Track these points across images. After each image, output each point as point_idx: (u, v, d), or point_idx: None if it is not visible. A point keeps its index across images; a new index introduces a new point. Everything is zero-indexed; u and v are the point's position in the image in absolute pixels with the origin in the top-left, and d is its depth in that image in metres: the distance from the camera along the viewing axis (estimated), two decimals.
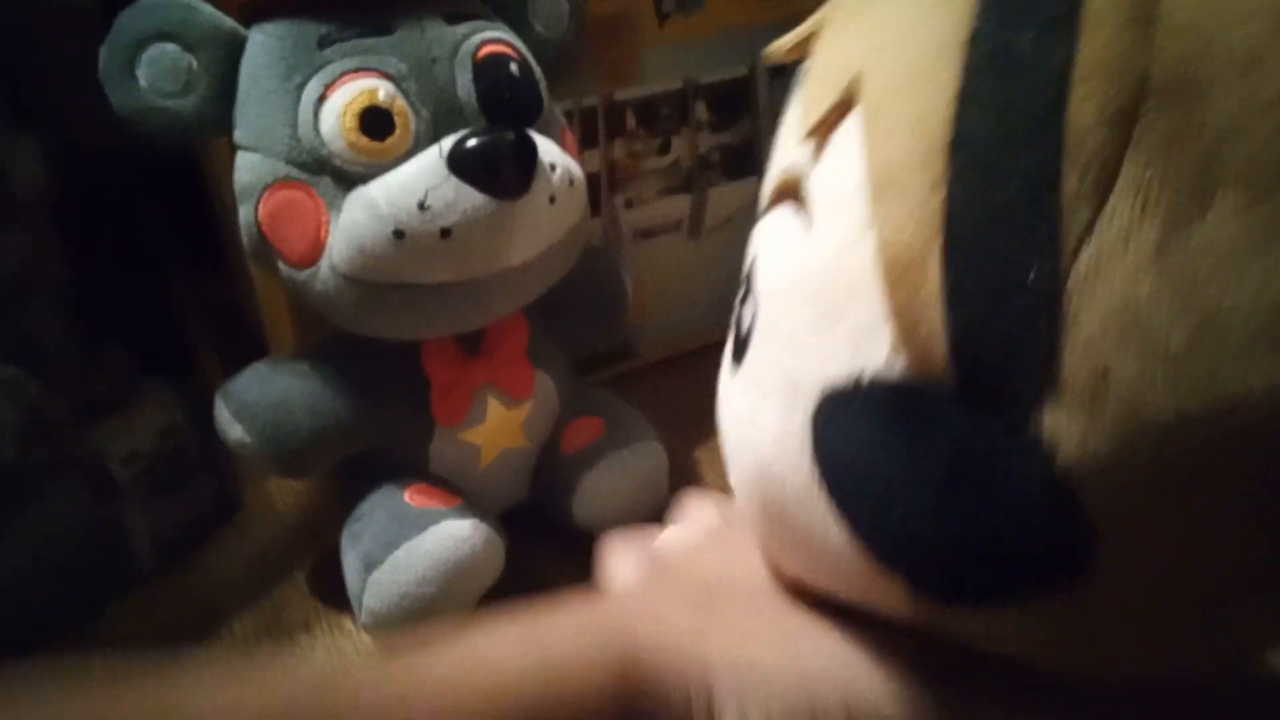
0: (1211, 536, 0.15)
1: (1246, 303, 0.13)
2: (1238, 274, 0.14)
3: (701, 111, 0.52)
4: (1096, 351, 0.14)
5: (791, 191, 0.20)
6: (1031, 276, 0.14)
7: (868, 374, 0.17)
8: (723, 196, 0.55)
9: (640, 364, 0.58)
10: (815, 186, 0.19)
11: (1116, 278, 0.14)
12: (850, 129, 0.17)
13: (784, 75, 0.54)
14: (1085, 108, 0.14)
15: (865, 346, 0.17)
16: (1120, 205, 0.14)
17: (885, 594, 0.19)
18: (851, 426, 0.17)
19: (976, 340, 0.15)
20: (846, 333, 0.17)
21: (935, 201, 0.15)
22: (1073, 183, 0.14)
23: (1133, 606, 0.16)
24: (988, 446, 0.15)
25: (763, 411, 0.20)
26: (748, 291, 0.22)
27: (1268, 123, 0.14)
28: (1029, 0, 0.15)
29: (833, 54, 0.19)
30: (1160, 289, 0.14)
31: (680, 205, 0.54)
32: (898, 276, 0.16)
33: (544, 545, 0.43)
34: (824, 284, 0.18)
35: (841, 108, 0.18)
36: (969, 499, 0.16)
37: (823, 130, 0.18)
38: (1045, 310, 0.14)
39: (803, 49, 0.20)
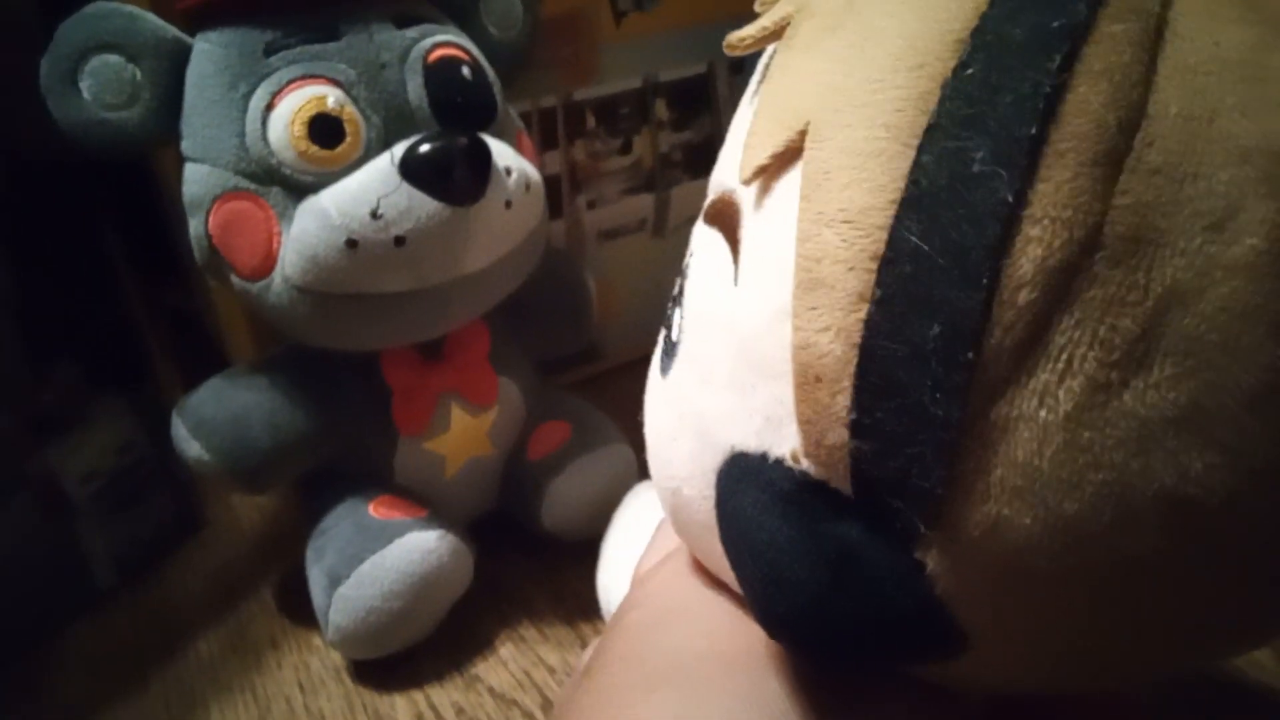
0: (1076, 630, 0.15)
1: (1151, 482, 0.13)
2: (1148, 450, 0.13)
3: (662, 110, 0.52)
4: (991, 503, 0.14)
5: (726, 219, 0.19)
6: (937, 424, 0.14)
7: (773, 455, 0.16)
8: (686, 195, 0.55)
9: (607, 366, 0.57)
10: (748, 240, 0.17)
11: (1024, 435, 0.13)
12: (790, 188, 0.16)
13: (744, 71, 0.54)
14: (1026, 255, 0.13)
15: (774, 430, 0.16)
16: (1041, 365, 0.13)
17: None
18: (751, 499, 0.17)
19: (875, 470, 0.15)
20: (758, 408, 0.17)
21: (857, 317, 0.14)
22: (996, 336, 0.13)
23: (1012, 670, 0.16)
24: (873, 558, 0.15)
25: (679, 435, 0.20)
26: (681, 296, 0.21)
27: (1221, 291, 0.12)
28: (993, 105, 0.13)
29: (788, 84, 0.17)
30: (1066, 453, 0.13)
31: (644, 205, 0.54)
32: (809, 386, 0.15)
33: (513, 553, 0.43)
34: (742, 351, 0.17)
35: (786, 157, 0.16)
36: (849, 598, 0.15)
37: (765, 175, 0.17)
38: (945, 458, 0.14)
39: (765, 43, 0.19)
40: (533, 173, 0.36)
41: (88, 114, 0.33)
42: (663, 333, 0.23)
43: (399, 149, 0.32)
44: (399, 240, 0.32)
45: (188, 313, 0.54)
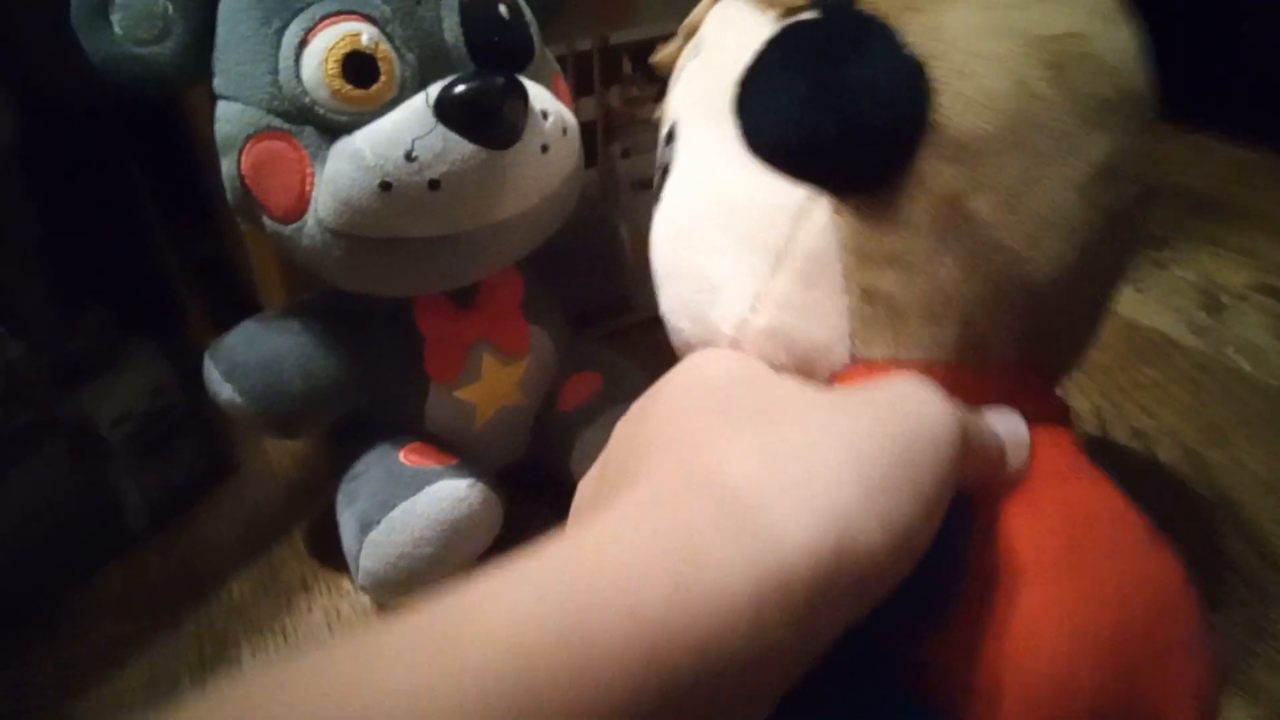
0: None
1: None
2: None
3: None
4: None
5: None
6: None
7: (759, 44, 0.25)
8: None
9: (639, 318, 0.57)
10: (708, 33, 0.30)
11: None
12: None
13: None
14: None
15: (757, 33, 0.25)
16: None
17: (816, 243, 0.25)
18: (758, 79, 0.25)
19: None
20: (742, 41, 0.26)
21: None
22: None
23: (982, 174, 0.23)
24: (840, 27, 0.23)
25: (694, 148, 0.28)
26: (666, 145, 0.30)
27: None
28: None
29: None
30: None
31: None
32: None
33: (543, 503, 0.43)
34: (716, 44, 0.28)
35: None
36: (839, 74, 0.23)
37: None
38: None
39: None
40: (569, 117, 0.36)
41: (119, 49, 0.32)
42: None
43: (434, 89, 0.31)
44: (433, 184, 0.31)
45: (219, 257, 0.53)
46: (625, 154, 0.51)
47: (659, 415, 0.24)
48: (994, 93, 0.22)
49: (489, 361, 0.39)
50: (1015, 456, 0.24)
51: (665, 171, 0.29)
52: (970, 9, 0.23)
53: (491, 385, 0.40)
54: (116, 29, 0.32)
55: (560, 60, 0.45)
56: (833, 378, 0.26)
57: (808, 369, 0.26)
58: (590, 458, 0.41)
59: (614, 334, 0.55)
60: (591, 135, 0.49)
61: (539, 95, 0.34)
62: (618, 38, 0.48)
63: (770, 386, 0.23)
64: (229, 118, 0.33)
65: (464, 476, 0.37)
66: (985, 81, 0.22)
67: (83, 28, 0.32)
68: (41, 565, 0.41)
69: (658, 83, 0.50)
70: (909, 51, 0.22)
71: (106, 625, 0.40)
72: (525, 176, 0.33)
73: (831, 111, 0.23)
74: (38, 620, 0.40)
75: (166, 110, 0.47)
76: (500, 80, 0.32)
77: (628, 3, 0.48)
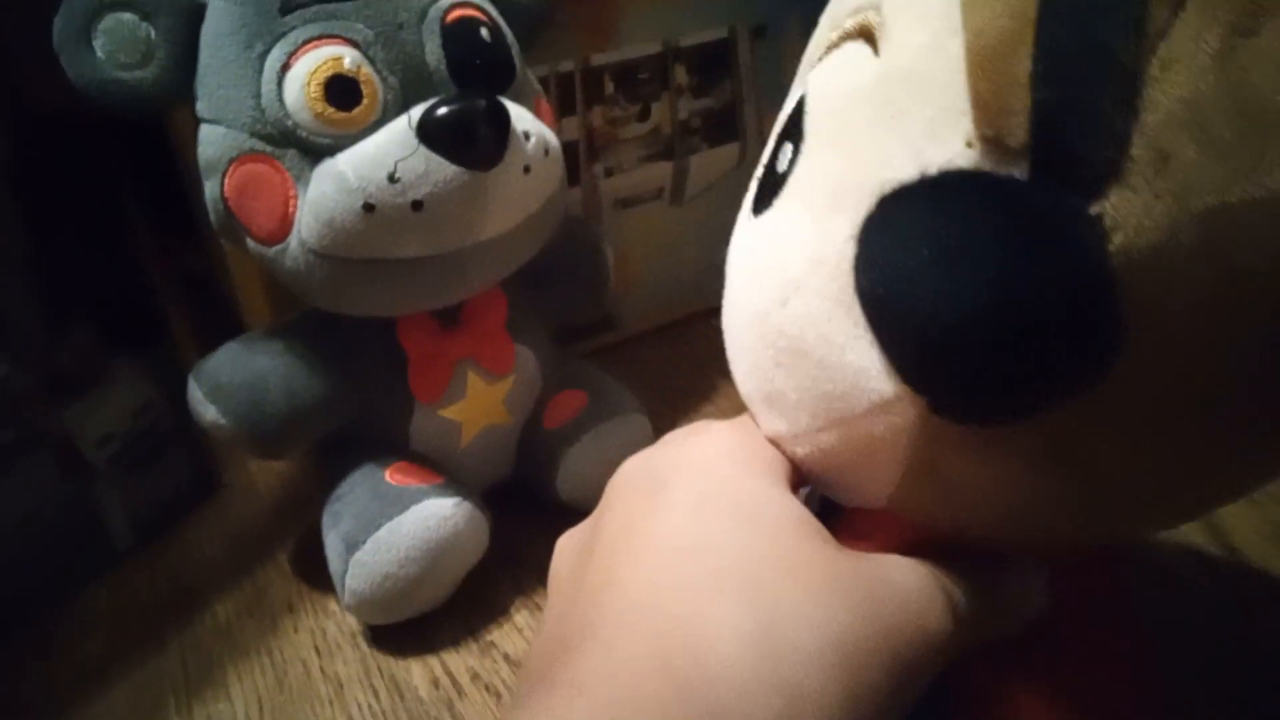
0: (1228, 348, 0.16)
1: None
2: None
3: (681, 76, 0.51)
4: (1161, 137, 0.15)
5: (856, 36, 0.21)
6: (1114, 65, 0.16)
7: (935, 167, 0.17)
8: (705, 163, 0.54)
9: (623, 335, 0.57)
10: (891, 8, 0.19)
11: (1184, 74, 0.15)
12: None
13: (765, 36, 0.53)
14: None
15: (935, 140, 0.17)
16: (1192, 11, 0.15)
17: (885, 431, 0.20)
18: (908, 222, 0.18)
19: (1058, 119, 0.16)
20: (915, 129, 0.18)
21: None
22: None
23: (1137, 425, 0.17)
24: (1053, 221, 0.16)
25: (796, 232, 0.21)
26: (785, 138, 0.23)
27: None
28: None
29: None
30: (1219, 87, 0.15)
31: (661, 173, 0.53)
32: (986, 63, 0.17)
33: (529, 522, 0.43)
34: (893, 87, 0.19)
35: None
36: (1023, 276, 0.16)
37: None
38: (1124, 95, 0.16)
39: None
40: (551, 138, 0.36)
41: (102, 73, 0.32)
42: (753, 189, 0.24)
43: (416, 111, 0.32)
44: (416, 205, 0.31)
45: (203, 275, 0.53)
46: (608, 173, 0.52)
47: (648, 543, 0.22)
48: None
49: (474, 380, 0.39)
50: (1023, 615, 0.23)
51: (773, 180, 0.23)
52: None
53: (476, 404, 0.40)
54: (99, 53, 0.32)
55: (542, 81, 0.46)
56: (855, 513, 0.24)
57: (832, 495, 0.24)
58: (576, 475, 0.42)
59: (599, 351, 0.55)
60: (574, 155, 0.50)
61: (521, 116, 0.34)
62: (600, 59, 0.49)
63: (770, 528, 0.21)
64: (212, 141, 0.33)
65: (450, 495, 0.37)
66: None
67: (66, 51, 0.32)
68: (25, 581, 0.40)
69: (639, 103, 0.51)
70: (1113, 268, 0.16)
71: (91, 643, 0.39)
72: (508, 197, 0.34)
73: (1014, 317, 0.17)
74: (22, 637, 0.40)
75: (154, 127, 0.47)
76: (482, 102, 0.32)
77: (610, 24, 0.48)
